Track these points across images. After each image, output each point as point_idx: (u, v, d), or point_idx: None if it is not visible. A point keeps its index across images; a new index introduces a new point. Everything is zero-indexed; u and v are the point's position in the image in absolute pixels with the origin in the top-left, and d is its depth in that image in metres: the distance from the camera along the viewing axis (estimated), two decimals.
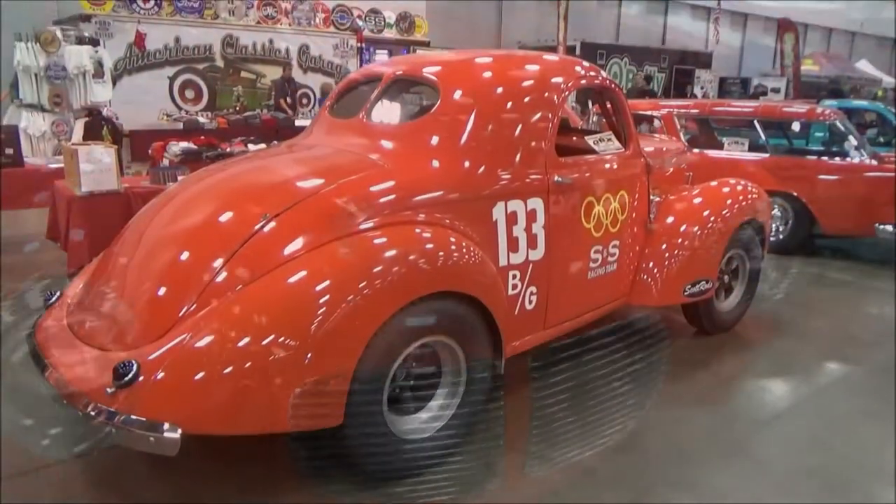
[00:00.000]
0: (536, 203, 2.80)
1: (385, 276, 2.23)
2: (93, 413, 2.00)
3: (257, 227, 2.28)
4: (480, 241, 2.60)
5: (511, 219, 2.72)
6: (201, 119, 8.87)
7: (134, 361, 2.03)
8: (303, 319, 2.10)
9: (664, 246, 3.54)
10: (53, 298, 2.67)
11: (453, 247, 2.44)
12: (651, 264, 3.52)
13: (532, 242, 2.80)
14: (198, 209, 2.51)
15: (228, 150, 5.88)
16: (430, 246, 2.40)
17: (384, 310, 2.21)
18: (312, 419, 2.14)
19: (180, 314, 2.15)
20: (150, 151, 6.07)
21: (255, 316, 2.11)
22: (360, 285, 2.17)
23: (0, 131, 5.24)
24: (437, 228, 2.49)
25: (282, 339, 2.06)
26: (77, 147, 4.08)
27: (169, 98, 9.28)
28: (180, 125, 8.59)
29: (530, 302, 2.85)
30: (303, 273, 2.19)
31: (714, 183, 3.97)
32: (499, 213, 2.68)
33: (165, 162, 5.66)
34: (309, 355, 2.07)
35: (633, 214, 3.39)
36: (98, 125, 6.76)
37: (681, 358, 3.59)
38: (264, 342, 2.05)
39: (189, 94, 9.49)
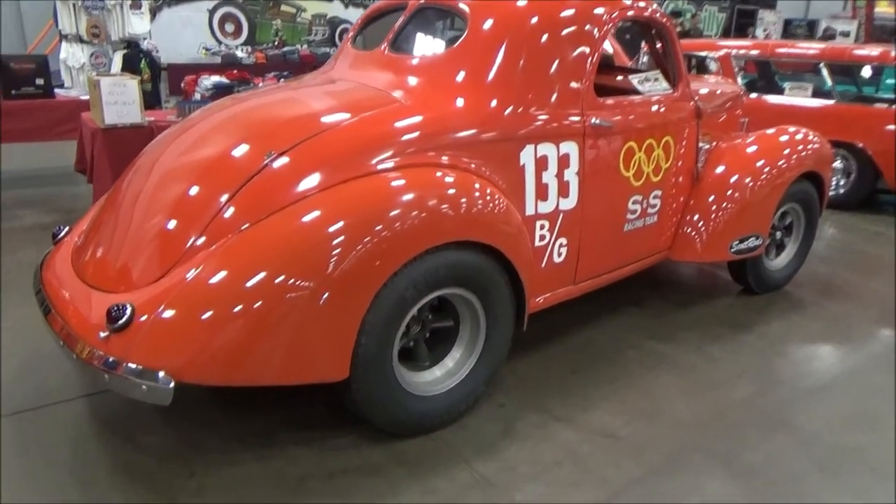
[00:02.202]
0: (570, 147, 2.57)
1: (402, 220, 2.05)
2: (86, 358, 1.91)
3: (263, 163, 2.12)
4: (506, 188, 2.39)
5: (541, 164, 2.49)
6: (240, 53, 8.72)
7: (128, 304, 1.92)
8: (312, 263, 1.95)
9: (712, 198, 3.27)
10: (62, 233, 2.59)
11: (477, 193, 2.24)
12: (696, 217, 3.26)
13: (563, 190, 2.57)
14: (206, 142, 2.36)
15: (261, 84, 5.72)
16: (451, 191, 2.20)
17: (398, 257, 2.05)
18: (317, 371, 2.01)
19: (181, 253, 2.03)
20: (182, 85, 5.95)
21: (259, 256, 1.96)
22: (376, 228, 2.00)
23: (32, 61, 5.16)
24: (460, 172, 2.29)
25: (293, 280, 1.92)
26: (100, 78, 3.96)
27: (209, 32, 9.13)
28: (218, 59, 8.45)
29: (559, 254, 2.65)
30: (314, 213, 2.02)
31: (771, 131, 3.64)
32: (527, 157, 2.46)
33: (197, 96, 5.54)
34: (318, 300, 1.93)
35: (679, 163, 3.12)
36: (136, 58, 6.65)
37: (722, 318, 3.36)
38: (271, 284, 1.91)
39: (229, 27, 9.33)
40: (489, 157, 2.37)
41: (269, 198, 2.07)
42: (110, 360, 1.87)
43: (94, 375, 1.92)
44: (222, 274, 1.94)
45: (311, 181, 2.09)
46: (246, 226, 2.03)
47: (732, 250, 3.29)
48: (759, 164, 3.38)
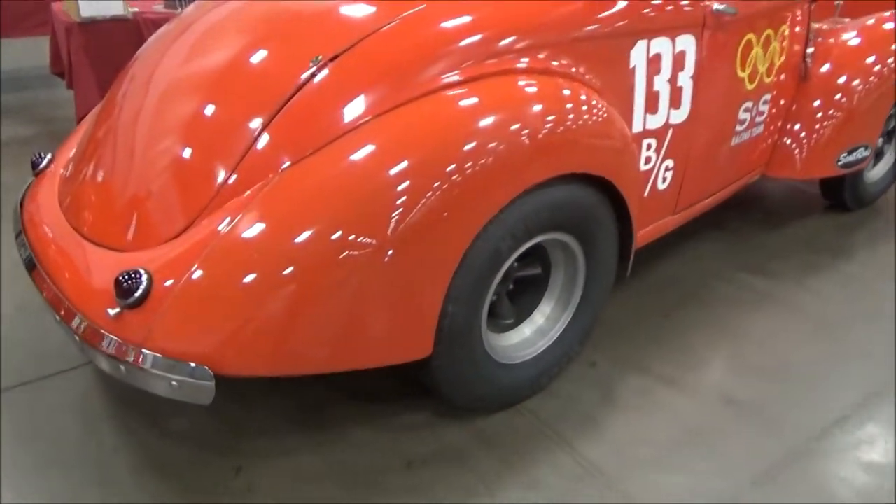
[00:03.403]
0: (687, 42, 2.01)
1: (483, 156, 1.51)
2: (91, 341, 1.45)
3: (305, 75, 1.57)
4: (612, 101, 1.86)
5: (653, 65, 1.95)
6: None
7: (143, 271, 1.43)
8: (382, 217, 1.44)
9: (818, 102, 2.74)
10: (44, 162, 2.05)
11: (584, 107, 1.71)
12: (798, 126, 2.75)
13: (676, 99, 2.04)
14: (223, 44, 1.79)
15: None
16: (544, 108, 1.65)
17: (495, 202, 1.55)
18: (393, 351, 1.56)
19: (209, 198, 1.52)
20: None
21: (313, 207, 1.45)
22: (448, 169, 1.48)
23: None
24: (556, 80, 1.74)
25: (360, 238, 1.42)
26: None
27: None
28: None
29: (664, 180, 2.15)
30: (369, 148, 1.50)
31: (871, 20, 3.04)
32: (639, 56, 1.91)
33: None
34: (397, 263, 1.46)
35: (789, 59, 2.57)
36: None
37: (816, 243, 2.90)
38: (331, 242, 1.41)
39: None
40: (592, 60, 1.82)
41: (316, 125, 1.54)
42: (125, 347, 1.41)
43: (102, 361, 1.46)
44: (266, 227, 1.44)
45: (362, 103, 1.55)
46: (287, 164, 1.51)
47: (840, 164, 2.79)
48: (869, 60, 2.83)
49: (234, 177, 1.52)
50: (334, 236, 1.42)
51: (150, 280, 1.42)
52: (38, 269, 1.67)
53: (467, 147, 1.51)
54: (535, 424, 1.88)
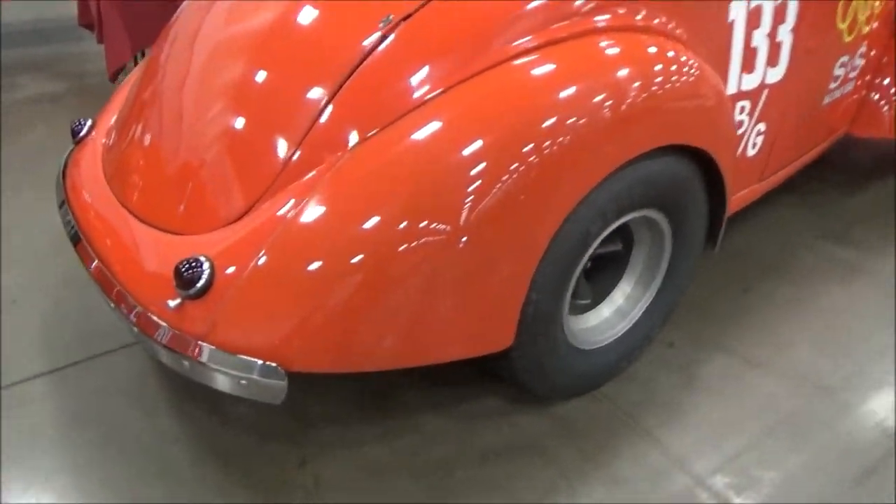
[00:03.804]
0: None
1: (562, 133, 1.33)
2: (148, 331, 1.34)
3: (373, 38, 1.39)
4: (707, 59, 1.66)
5: (753, 18, 1.74)
6: None
7: (204, 259, 1.30)
8: (457, 201, 1.29)
9: None
10: (84, 129, 1.92)
11: (684, 71, 1.52)
12: (888, 80, 2.51)
13: (774, 56, 1.83)
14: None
15: None
16: (632, 72, 1.46)
17: (572, 186, 1.38)
18: (471, 344, 1.43)
19: (273, 178, 1.37)
20: None
21: (379, 189, 1.31)
22: (524, 150, 1.31)
23: None
24: (648, 39, 1.55)
25: (434, 224, 1.28)
26: None
27: None
28: None
29: (754, 146, 1.96)
30: (441, 125, 1.33)
31: None
32: (738, 9, 1.70)
33: None
34: (464, 250, 1.31)
35: (886, 8, 2.32)
36: None
37: None
38: (398, 227, 1.27)
39: None
40: (685, 14, 1.62)
41: (384, 97, 1.37)
42: (187, 340, 1.29)
43: (161, 353, 1.36)
44: (334, 213, 1.30)
45: (430, 74, 1.38)
46: (354, 142, 1.35)
47: None
48: None
49: (297, 154, 1.37)
50: (403, 224, 1.27)
51: (212, 269, 1.29)
52: (84, 243, 1.56)
53: (545, 123, 1.34)
54: (613, 412, 1.75)
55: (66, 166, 1.86)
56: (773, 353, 1.94)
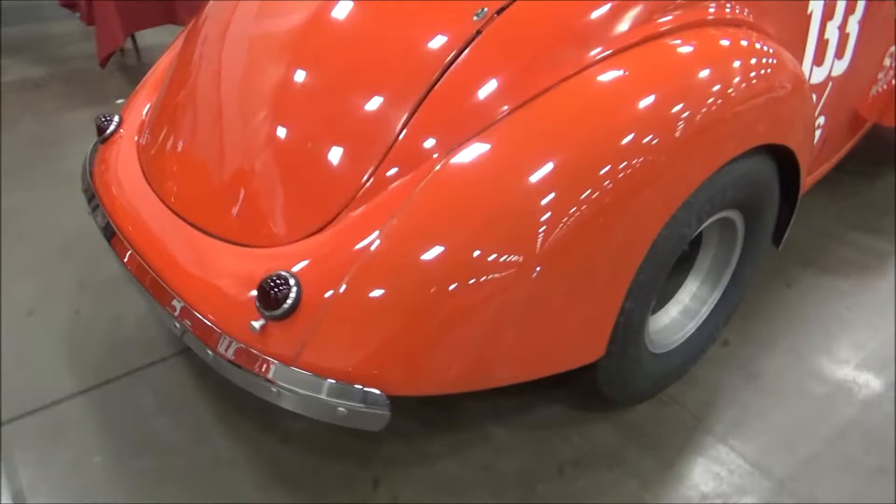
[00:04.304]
0: None
1: (666, 138, 1.25)
2: (228, 360, 1.23)
3: (459, 36, 1.29)
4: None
5: (829, 9, 1.68)
6: None
7: (289, 275, 1.20)
8: (531, 224, 1.19)
9: None
10: (112, 125, 1.77)
11: (773, 64, 1.46)
12: None
13: (841, 48, 1.79)
14: None
15: None
16: (735, 70, 1.38)
17: (674, 191, 1.31)
18: (564, 359, 1.36)
19: (356, 188, 1.27)
20: None
21: (466, 213, 1.20)
22: (627, 162, 1.22)
23: None
24: (742, 34, 1.48)
25: (518, 250, 1.19)
26: None
27: None
28: None
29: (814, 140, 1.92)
30: (524, 139, 1.24)
31: None
32: (817, 1, 1.64)
33: None
34: (564, 267, 1.23)
35: None
36: None
37: None
38: (480, 258, 1.17)
39: None
40: (774, 9, 1.55)
41: (471, 106, 1.26)
42: (278, 367, 1.19)
43: (239, 378, 1.25)
44: (418, 237, 1.19)
45: (513, 79, 1.28)
46: (436, 157, 1.24)
47: None
48: None
49: (377, 170, 1.27)
50: (490, 257, 1.17)
51: (299, 286, 1.19)
52: (130, 249, 1.43)
53: (647, 136, 1.25)
54: (681, 416, 1.71)
55: (91, 165, 1.72)
56: (822, 351, 1.91)
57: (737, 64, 1.41)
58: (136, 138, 1.70)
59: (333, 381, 1.16)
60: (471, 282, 1.17)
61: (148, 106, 1.79)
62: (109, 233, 1.54)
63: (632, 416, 1.70)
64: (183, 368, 1.79)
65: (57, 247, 2.24)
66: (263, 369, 1.19)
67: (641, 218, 1.28)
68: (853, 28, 1.78)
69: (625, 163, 1.22)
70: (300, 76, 1.39)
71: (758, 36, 1.50)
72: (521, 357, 1.30)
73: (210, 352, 1.25)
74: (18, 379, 1.76)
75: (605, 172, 1.21)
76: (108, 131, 1.75)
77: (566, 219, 1.19)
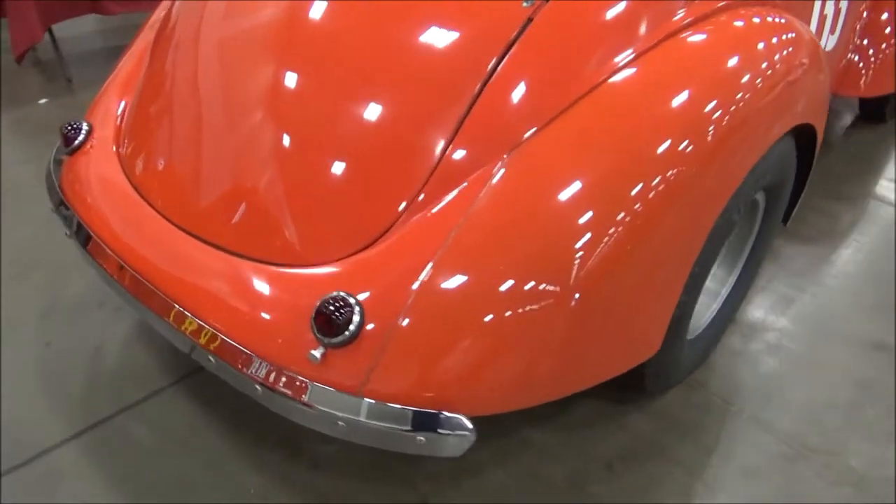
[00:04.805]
0: None
1: (731, 118, 1.23)
2: (283, 394, 1.10)
3: (521, 24, 1.19)
4: None
5: None
6: None
7: (348, 296, 1.08)
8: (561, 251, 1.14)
9: (885, 15, 2.59)
10: (81, 135, 1.56)
11: (804, 42, 1.45)
12: (866, 41, 2.59)
13: (834, 24, 1.82)
14: None
15: None
16: (775, 50, 1.37)
17: (731, 180, 1.29)
18: (626, 358, 1.32)
19: (392, 217, 1.16)
20: None
21: (543, 202, 1.14)
22: (673, 168, 1.17)
23: None
24: (755, 11, 1.46)
25: (542, 281, 1.12)
26: None
27: None
28: None
29: None
30: (573, 142, 1.17)
31: None
32: None
33: None
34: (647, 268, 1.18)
35: None
36: None
37: (875, 160, 2.84)
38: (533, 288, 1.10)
39: None
40: None
41: (520, 108, 1.18)
42: (348, 399, 1.07)
43: (297, 414, 1.13)
44: (487, 243, 1.11)
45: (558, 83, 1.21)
46: (481, 171, 1.15)
47: None
48: None
49: (425, 185, 1.17)
50: (542, 287, 1.10)
51: (362, 311, 1.08)
52: (135, 275, 1.27)
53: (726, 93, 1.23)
54: (710, 399, 1.71)
55: (59, 177, 1.52)
56: (824, 319, 1.96)
57: (761, 46, 1.38)
58: (114, 148, 1.51)
59: (416, 410, 1.06)
60: (526, 309, 1.09)
61: (121, 110, 1.59)
62: (99, 255, 1.36)
63: (663, 405, 1.68)
64: (184, 400, 1.62)
65: (6, 272, 1.99)
66: (321, 401, 1.07)
67: (700, 212, 1.25)
68: (844, 4, 1.82)
69: (679, 162, 1.18)
70: (328, 83, 1.25)
71: (771, 8, 1.48)
72: (582, 368, 1.25)
73: (258, 386, 1.12)
74: None
75: (662, 175, 1.16)
76: (78, 141, 1.55)
77: (619, 225, 1.13)
